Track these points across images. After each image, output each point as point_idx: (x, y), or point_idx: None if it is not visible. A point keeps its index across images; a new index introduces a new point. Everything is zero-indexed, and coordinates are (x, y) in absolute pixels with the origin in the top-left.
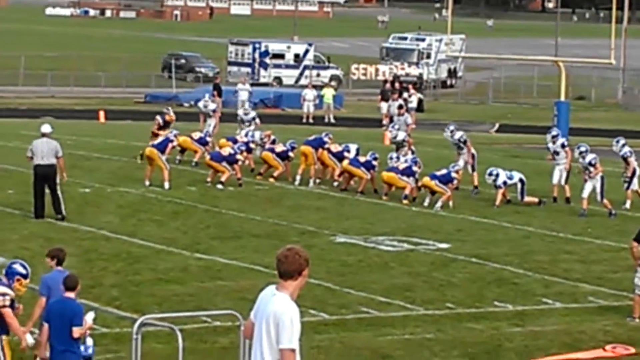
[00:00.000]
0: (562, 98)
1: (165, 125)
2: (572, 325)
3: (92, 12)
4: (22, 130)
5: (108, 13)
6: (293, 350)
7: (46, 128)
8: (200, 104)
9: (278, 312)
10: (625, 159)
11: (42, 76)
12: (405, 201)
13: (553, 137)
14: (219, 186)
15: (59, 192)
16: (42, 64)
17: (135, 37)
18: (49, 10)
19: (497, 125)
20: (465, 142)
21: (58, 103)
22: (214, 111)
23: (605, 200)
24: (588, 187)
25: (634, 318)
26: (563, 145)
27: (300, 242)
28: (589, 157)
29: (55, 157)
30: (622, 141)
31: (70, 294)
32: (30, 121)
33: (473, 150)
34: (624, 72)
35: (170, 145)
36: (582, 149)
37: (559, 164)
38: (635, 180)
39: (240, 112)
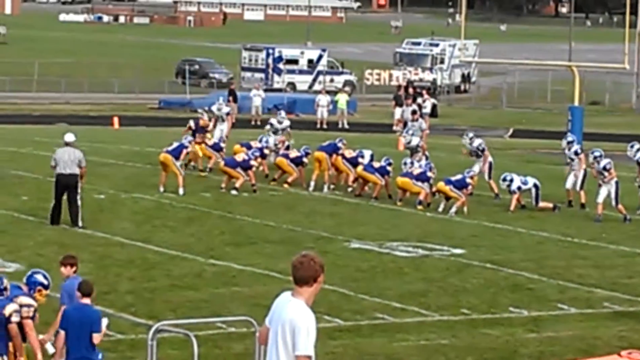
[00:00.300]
0: (576, 103)
1: (198, 130)
2: (587, 331)
3: (105, 18)
4: (36, 137)
5: (121, 19)
6: (309, 357)
7: (70, 137)
8: (214, 108)
9: (294, 318)
10: (639, 164)
11: (55, 82)
12: (419, 207)
13: (568, 143)
14: (233, 192)
15: (79, 202)
16: (55, 70)
17: (149, 43)
18: (63, 17)
19: (511, 131)
20: (483, 150)
21: (72, 109)
22: (227, 114)
23: (620, 206)
24: (603, 192)
25: None
26: (577, 153)
27: (314, 248)
28: (604, 162)
29: (79, 167)
30: (637, 146)
31: (87, 300)
32: (44, 127)
33: (490, 159)
34: (638, 76)
35: (184, 151)
36: (597, 153)
37: (574, 169)
38: None
39: (274, 120)
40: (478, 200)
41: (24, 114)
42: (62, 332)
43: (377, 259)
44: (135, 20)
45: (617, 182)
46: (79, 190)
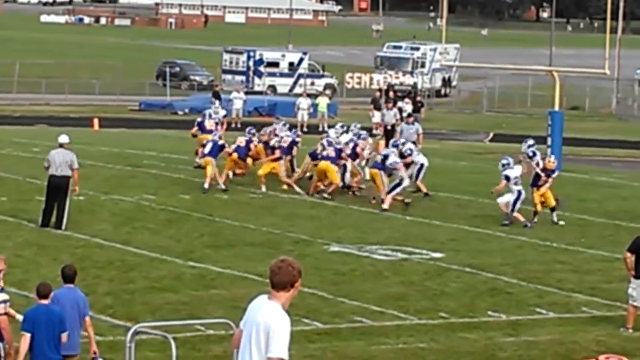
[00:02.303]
0: (556, 108)
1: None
2: (565, 336)
3: (86, 20)
4: (15, 138)
5: (103, 21)
6: None
7: (64, 138)
8: (211, 111)
9: (268, 321)
10: (530, 157)
11: (36, 83)
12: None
13: (529, 146)
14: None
15: (67, 204)
16: (36, 72)
17: (130, 45)
18: (44, 18)
19: (491, 135)
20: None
21: (52, 110)
22: (224, 116)
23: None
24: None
25: (628, 328)
26: (529, 156)
27: (294, 251)
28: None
29: (70, 169)
30: (531, 142)
31: (45, 301)
32: (24, 128)
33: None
34: (618, 82)
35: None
36: (504, 161)
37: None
38: None
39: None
40: (458, 204)
41: (4, 115)
42: (28, 335)
43: (356, 262)
44: (117, 22)
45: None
46: (69, 194)
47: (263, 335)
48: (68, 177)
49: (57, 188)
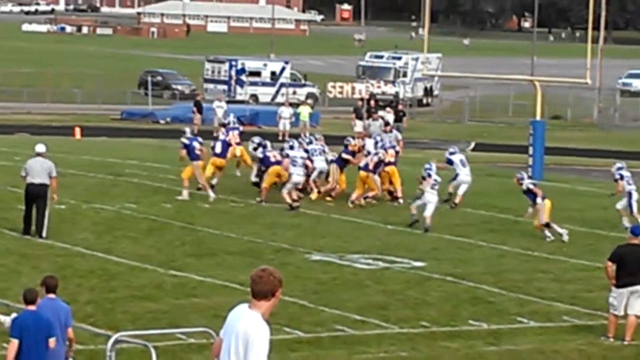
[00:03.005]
0: (538, 117)
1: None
2: (546, 344)
3: (68, 29)
4: None
5: (85, 30)
6: None
7: (40, 147)
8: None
9: (248, 330)
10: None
11: (18, 92)
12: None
13: (451, 153)
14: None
15: (47, 212)
16: (18, 80)
17: (112, 54)
18: (26, 27)
19: (473, 144)
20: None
21: (34, 119)
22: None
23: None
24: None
25: (609, 337)
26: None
27: (275, 260)
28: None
29: (49, 177)
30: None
31: (33, 307)
32: (4, 137)
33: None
34: (599, 91)
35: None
36: (426, 165)
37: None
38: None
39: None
40: (439, 213)
41: None
42: (15, 341)
43: (338, 271)
44: (99, 31)
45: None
46: (49, 202)
47: (242, 345)
48: (47, 186)
49: (36, 196)
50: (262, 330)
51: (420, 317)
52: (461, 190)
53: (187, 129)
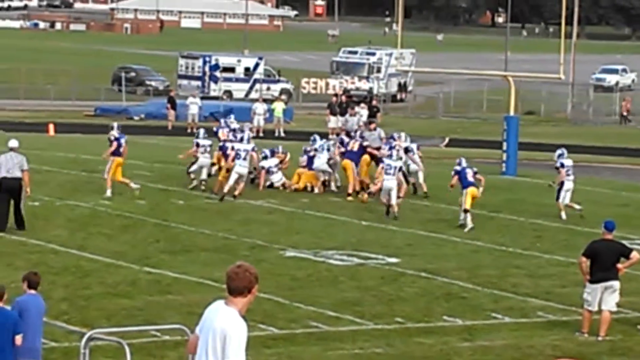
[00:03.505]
0: (512, 113)
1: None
2: (521, 340)
3: (42, 25)
4: None
5: (58, 26)
6: None
7: (13, 142)
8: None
9: (225, 326)
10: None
11: None
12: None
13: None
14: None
15: (22, 205)
16: None
17: (86, 50)
18: None
19: (447, 140)
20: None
21: (7, 116)
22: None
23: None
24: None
25: (583, 333)
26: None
27: (250, 257)
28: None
29: (21, 171)
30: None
31: (0, 303)
32: None
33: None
34: (572, 87)
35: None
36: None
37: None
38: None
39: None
40: (413, 209)
41: None
42: None
43: (312, 267)
44: (72, 27)
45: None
46: (23, 195)
47: (219, 341)
48: (20, 179)
49: (10, 190)
50: (240, 327)
51: (394, 313)
52: (420, 178)
53: (115, 124)
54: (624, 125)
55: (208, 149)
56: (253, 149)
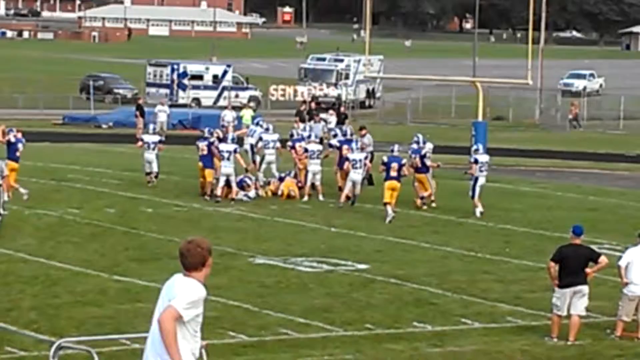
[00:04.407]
0: (480, 118)
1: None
2: (490, 345)
3: (9, 34)
4: None
5: (25, 34)
6: (178, 314)
7: None
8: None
9: (180, 286)
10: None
11: None
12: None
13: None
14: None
15: (1, 210)
16: None
17: (53, 59)
18: None
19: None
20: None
21: None
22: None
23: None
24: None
25: (552, 337)
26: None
27: (219, 264)
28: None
29: (0, 177)
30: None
31: None
32: None
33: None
34: (541, 92)
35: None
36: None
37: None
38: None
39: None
40: (382, 216)
41: None
42: None
43: (282, 274)
44: (40, 35)
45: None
46: (1, 201)
47: (168, 299)
48: None
49: None
50: (194, 286)
51: (364, 319)
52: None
53: (14, 128)
54: (574, 130)
55: (152, 145)
56: (235, 150)
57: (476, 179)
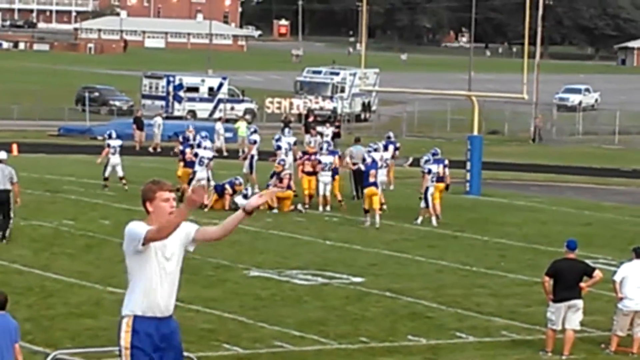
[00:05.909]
0: (475, 132)
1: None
2: (485, 359)
3: (5, 45)
4: None
5: (21, 45)
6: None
7: (2, 154)
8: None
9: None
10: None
11: None
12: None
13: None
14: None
15: (11, 217)
16: None
17: (49, 70)
18: None
19: (410, 159)
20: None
21: None
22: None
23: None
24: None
25: (547, 352)
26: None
27: (214, 276)
28: None
29: (11, 183)
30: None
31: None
32: None
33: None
34: (536, 106)
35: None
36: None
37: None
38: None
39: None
40: (376, 229)
41: None
42: None
43: (277, 287)
44: (36, 46)
45: None
46: (12, 207)
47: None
48: (9, 191)
49: (1, 202)
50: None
51: (359, 332)
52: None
53: None
54: (537, 143)
55: (118, 149)
56: (211, 158)
57: (427, 189)
